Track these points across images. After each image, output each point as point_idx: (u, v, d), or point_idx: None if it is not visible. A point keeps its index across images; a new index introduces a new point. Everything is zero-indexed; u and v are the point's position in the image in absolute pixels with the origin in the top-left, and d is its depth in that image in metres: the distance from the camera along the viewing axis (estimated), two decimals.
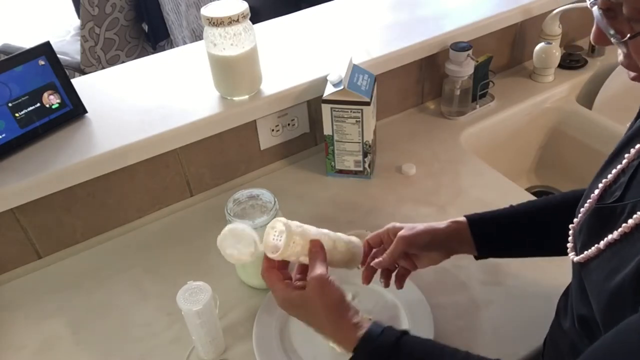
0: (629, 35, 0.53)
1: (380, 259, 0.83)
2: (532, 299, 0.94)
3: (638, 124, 0.66)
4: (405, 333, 0.69)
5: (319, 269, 0.71)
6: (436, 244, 0.84)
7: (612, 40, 0.55)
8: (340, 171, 1.22)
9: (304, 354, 0.87)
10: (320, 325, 0.71)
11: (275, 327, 0.90)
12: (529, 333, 0.87)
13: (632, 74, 0.58)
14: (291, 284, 0.73)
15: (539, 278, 0.96)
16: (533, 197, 1.14)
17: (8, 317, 0.98)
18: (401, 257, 0.84)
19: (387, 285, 0.87)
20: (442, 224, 0.85)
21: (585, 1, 0.56)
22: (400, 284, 0.87)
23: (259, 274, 0.96)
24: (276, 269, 0.74)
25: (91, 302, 1.00)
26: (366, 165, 1.20)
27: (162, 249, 1.09)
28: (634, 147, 0.63)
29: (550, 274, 0.97)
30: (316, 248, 0.73)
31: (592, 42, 0.58)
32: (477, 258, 0.86)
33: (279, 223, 0.72)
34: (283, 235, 0.71)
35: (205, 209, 1.17)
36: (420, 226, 0.84)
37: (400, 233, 0.83)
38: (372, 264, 0.83)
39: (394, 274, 0.87)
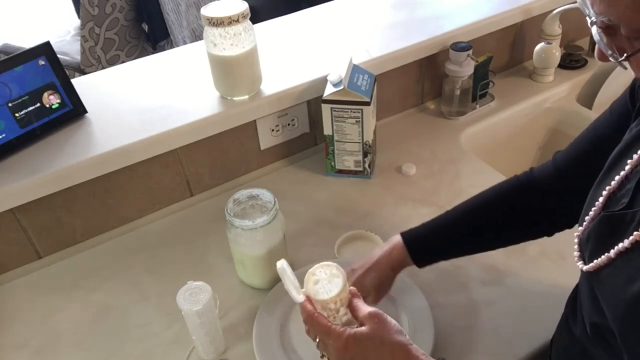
0: (625, 54, 0.53)
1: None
2: (532, 299, 0.94)
3: (635, 129, 0.66)
4: None
5: (367, 307, 0.69)
6: (384, 276, 0.86)
7: (611, 59, 0.55)
8: (340, 171, 1.22)
9: (304, 354, 0.87)
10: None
11: (275, 327, 0.90)
12: (529, 333, 0.87)
13: None
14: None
15: (540, 278, 0.96)
16: None
17: (8, 317, 0.98)
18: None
19: None
20: (380, 256, 0.86)
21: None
22: None
23: (259, 274, 0.96)
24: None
25: (91, 302, 1.00)
26: (366, 165, 1.20)
27: (162, 249, 1.09)
28: (636, 153, 0.63)
29: (551, 274, 0.97)
30: (357, 294, 0.71)
31: (597, 59, 0.58)
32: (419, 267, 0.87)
33: (329, 268, 0.71)
34: (333, 280, 0.70)
35: (205, 209, 1.17)
36: (359, 267, 0.85)
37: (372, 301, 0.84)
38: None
39: None
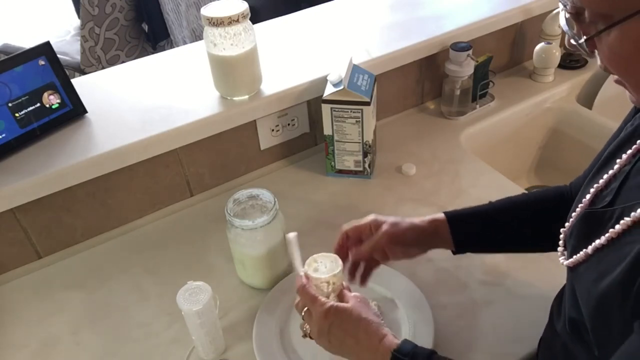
0: (584, 37, 0.54)
1: (360, 248, 0.84)
2: (532, 299, 0.94)
3: (630, 129, 0.66)
4: (434, 352, 0.70)
5: (354, 293, 0.76)
6: (418, 242, 0.86)
7: (572, 41, 0.56)
8: (340, 171, 1.22)
9: (304, 354, 0.87)
10: (356, 337, 0.71)
11: (275, 327, 0.90)
12: (528, 333, 0.87)
13: (615, 77, 0.58)
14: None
15: (539, 278, 0.96)
16: None
17: (8, 317, 0.98)
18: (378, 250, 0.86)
19: (351, 279, 0.89)
20: (423, 221, 0.86)
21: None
22: (364, 281, 0.89)
23: (259, 274, 0.96)
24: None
25: (91, 302, 1.00)
26: (366, 165, 1.20)
27: (162, 249, 1.09)
28: (625, 153, 0.64)
29: (550, 274, 0.97)
30: (349, 287, 0.79)
31: (567, 46, 0.59)
32: (454, 253, 0.88)
33: (328, 258, 0.78)
34: (332, 269, 0.77)
35: (205, 209, 1.17)
36: (404, 223, 0.85)
37: (385, 229, 0.84)
38: (351, 255, 0.84)
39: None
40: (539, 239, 0.86)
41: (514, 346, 0.87)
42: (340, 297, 0.76)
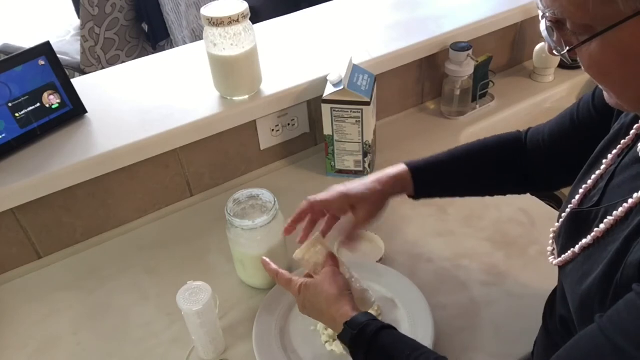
0: (567, 48, 0.54)
1: (343, 226, 0.88)
2: (532, 299, 0.93)
3: (616, 128, 0.67)
4: (392, 327, 0.72)
5: (330, 266, 0.80)
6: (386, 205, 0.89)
7: (555, 52, 0.56)
8: (340, 171, 1.22)
9: (304, 354, 0.87)
10: (321, 309, 0.77)
11: (275, 327, 0.90)
12: (528, 333, 0.87)
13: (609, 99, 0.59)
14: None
15: (539, 278, 0.96)
16: (533, 198, 1.14)
17: (8, 317, 0.98)
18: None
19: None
20: (393, 187, 0.87)
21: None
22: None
23: (259, 274, 0.96)
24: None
25: (91, 302, 1.00)
26: (366, 165, 1.20)
27: (162, 249, 1.09)
28: (611, 153, 0.65)
29: (550, 274, 0.96)
30: (330, 259, 0.82)
31: (548, 53, 0.59)
32: (413, 199, 0.90)
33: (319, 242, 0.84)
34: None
35: (205, 209, 1.17)
36: (379, 201, 0.87)
37: (364, 215, 0.85)
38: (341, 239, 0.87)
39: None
40: (494, 185, 0.91)
41: (514, 346, 0.87)
42: (326, 261, 0.82)
